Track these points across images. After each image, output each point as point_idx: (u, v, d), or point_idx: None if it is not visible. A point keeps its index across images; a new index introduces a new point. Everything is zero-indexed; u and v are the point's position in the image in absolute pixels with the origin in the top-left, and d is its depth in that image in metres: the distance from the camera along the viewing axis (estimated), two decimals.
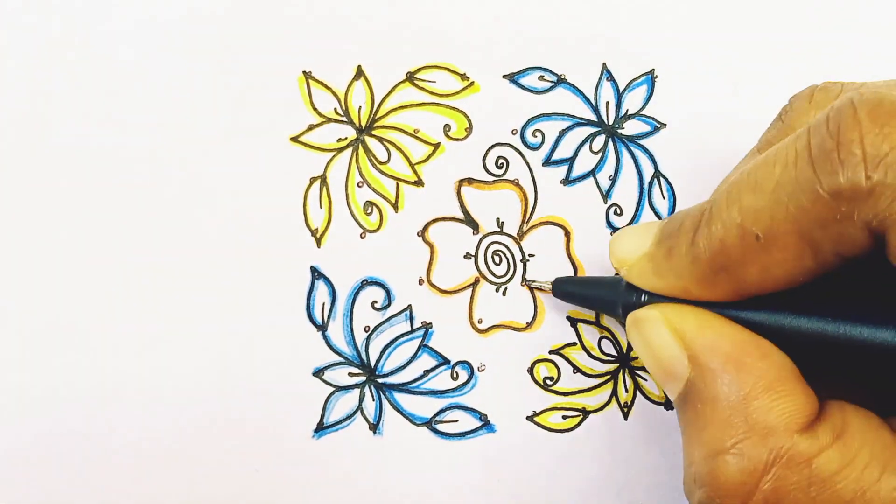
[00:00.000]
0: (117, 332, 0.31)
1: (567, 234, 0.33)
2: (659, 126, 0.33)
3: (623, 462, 0.32)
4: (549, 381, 0.32)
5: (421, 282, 0.32)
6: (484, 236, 0.33)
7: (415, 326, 0.32)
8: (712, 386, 0.24)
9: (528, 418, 0.32)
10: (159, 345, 0.32)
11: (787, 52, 0.34)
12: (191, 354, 0.32)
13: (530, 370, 0.32)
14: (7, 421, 0.31)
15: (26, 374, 0.31)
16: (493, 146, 0.33)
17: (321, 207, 0.32)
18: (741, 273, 0.24)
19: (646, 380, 0.33)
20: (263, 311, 0.32)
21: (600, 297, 0.30)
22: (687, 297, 0.25)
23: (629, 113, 0.33)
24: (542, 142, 0.33)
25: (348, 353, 0.32)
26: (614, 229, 0.33)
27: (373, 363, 0.32)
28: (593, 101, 0.33)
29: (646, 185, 0.33)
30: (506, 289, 0.33)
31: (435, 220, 0.33)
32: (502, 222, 0.33)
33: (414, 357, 0.32)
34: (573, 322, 0.33)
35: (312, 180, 0.32)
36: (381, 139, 0.33)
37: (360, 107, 0.33)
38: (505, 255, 0.33)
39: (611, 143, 0.33)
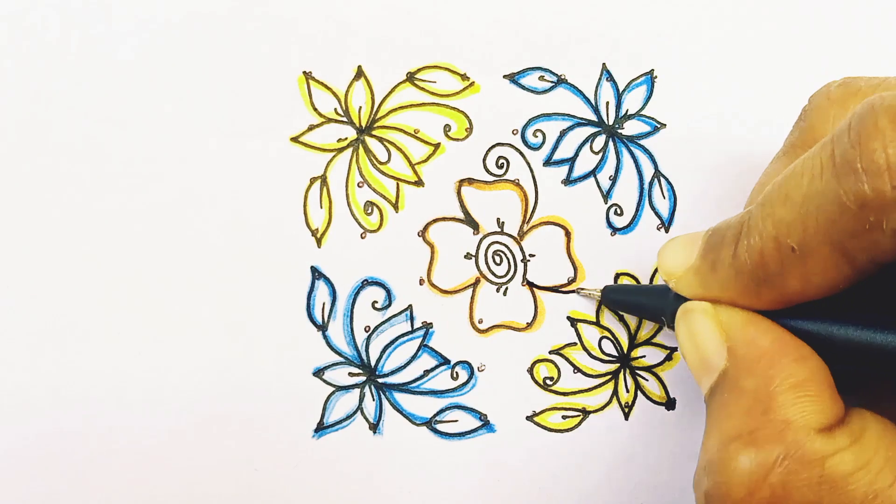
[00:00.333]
0: (117, 332, 0.31)
1: (567, 234, 0.33)
2: (659, 126, 0.33)
3: (623, 462, 0.32)
4: (549, 381, 0.32)
5: (421, 282, 0.32)
6: (484, 236, 0.33)
7: (415, 326, 0.32)
8: (742, 377, 0.24)
9: (527, 418, 0.32)
10: (159, 345, 0.31)
11: (787, 52, 0.34)
12: (191, 354, 0.31)
13: (530, 370, 0.32)
14: (7, 421, 0.31)
15: (26, 373, 0.31)
16: (493, 146, 0.33)
17: (321, 207, 0.32)
18: (782, 283, 0.24)
19: (646, 380, 0.33)
20: (263, 311, 0.32)
21: (649, 306, 0.30)
22: (733, 306, 0.26)
23: (629, 113, 0.34)
24: (543, 142, 0.33)
25: (348, 353, 0.32)
26: (614, 229, 0.33)
27: (373, 363, 0.32)
28: (593, 102, 0.33)
29: (646, 185, 0.33)
30: (506, 289, 0.33)
31: (435, 220, 0.33)
32: (503, 222, 0.33)
33: (414, 357, 0.32)
34: (573, 322, 0.33)
35: (313, 180, 0.32)
36: (381, 139, 0.33)
37: (361, 107, 0.33)
38: (505, 255, 0.33)
39: (611, 144, 0.33)
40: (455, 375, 0.32)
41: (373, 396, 0.32)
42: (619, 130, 0.33)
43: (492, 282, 0.33)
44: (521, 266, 0.33)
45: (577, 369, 0.33)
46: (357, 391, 0.32)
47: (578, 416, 0.32)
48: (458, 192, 0.33)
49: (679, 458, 0.33)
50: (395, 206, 0.33)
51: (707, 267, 0.26)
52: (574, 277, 0.33)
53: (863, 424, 0.23)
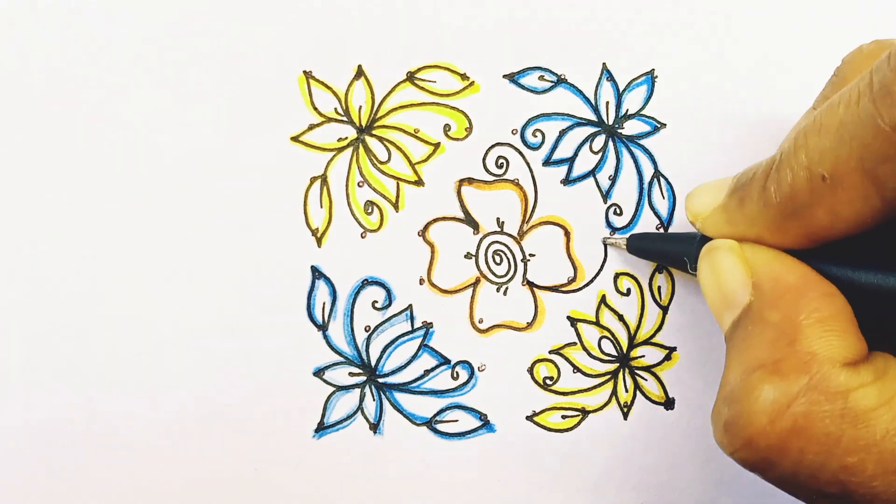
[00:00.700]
0: (118, 332, 0.31)
1: (567, 233, 0.33)
2: (659, 126, 0.33)
3: (622, 462, 0.32)
4: (548, 381, 0.32)
5: (421, 281, 0.32)
6: (484, 236, 0.33)
7: (415, 326, 0.32)
8: (768, 310, 0.24)
9: (527, 418, 0.32)
10: (160, 344, 0.31)
11: (787, 52, 0.34)
12: (191, 354, 0.31)
13: (530, 370, 0.32)
14: (7, 420, 0.31)
15: (26, 373, 0.31)
16: (493, 146, 0.33)
17: (322, 207, 0.32)
18: (811, 217, 0.24)
19: (646, 380, 0.33)
20: (264, 310, 0.32)
21: (674, 252, 0.30)
22: (760, 244, 0.26)
23: (629, 113, 0.34)
24: (543, 142, 0.33)
25: (349, 352, 0.32)
26: (614, 229, 0.33)
27: (373, 363, 0.32)
28: (593, 101, 0.34)
29: (646, 185, 0.33)
30: (506, 288, 0.33)
31: (435, 220, 0.33)
32: (502, 222, 0.33)
33: (414, 357, 0.32)
34: (573, 322, 0.33)
35: (313, 180, 0.32)
36: (381, 139, 0.33)
37: (361, 106, 0.33)
38: (505, 254, 0.33)
39: (611, 143, 0.33)
40: (455, 375, 0.32)
41: (373, 396, 0.32)
42: (619, 130, 0.33)
43: (492, 281, 0.33)
44: (521, 266, 0.33)
45: (576, 369, 0.33)
46: (357, 391, 0.32)
47: (578, 415, 0.32)
48: (458, 192, 0.33)
49: (678, 457, 0.33)
50: (396, 206, 0.33)
51: (735, 203, 0.26)
52: (574, 277, 0.33)
53: (886, 364, 0.23)
